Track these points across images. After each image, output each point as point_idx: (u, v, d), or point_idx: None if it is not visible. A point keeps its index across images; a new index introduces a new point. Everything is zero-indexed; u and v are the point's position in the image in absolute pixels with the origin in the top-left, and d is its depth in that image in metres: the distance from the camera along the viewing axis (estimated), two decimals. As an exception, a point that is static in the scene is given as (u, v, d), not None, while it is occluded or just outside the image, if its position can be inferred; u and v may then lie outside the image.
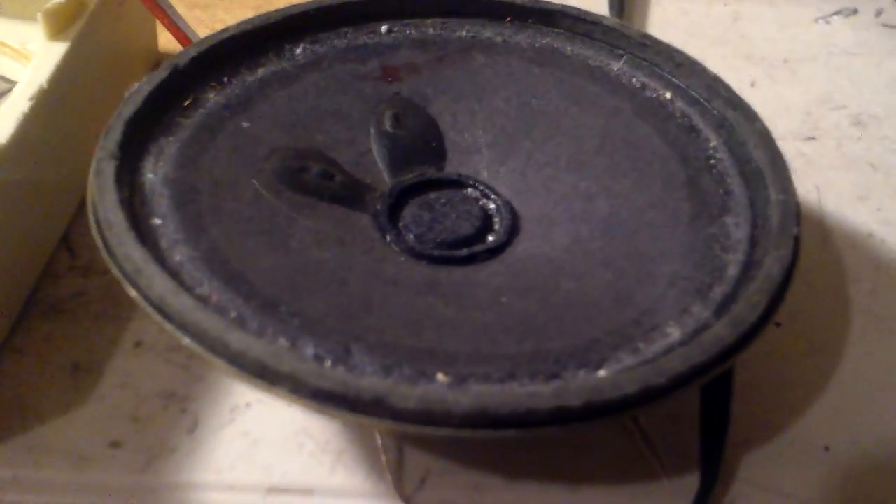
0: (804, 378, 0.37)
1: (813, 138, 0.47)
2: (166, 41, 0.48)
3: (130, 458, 0.33)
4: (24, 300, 0.37)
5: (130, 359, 0.36)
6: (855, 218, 0.43)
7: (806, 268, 0.40)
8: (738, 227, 0.33)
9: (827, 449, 0.35)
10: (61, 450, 0.33)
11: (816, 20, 0.55)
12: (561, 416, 0.26)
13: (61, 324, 0.37)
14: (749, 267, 0.32)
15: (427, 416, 0.26)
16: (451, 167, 0.37)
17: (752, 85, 0.51)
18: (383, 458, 0.33)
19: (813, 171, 0.46)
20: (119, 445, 0.33)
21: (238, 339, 0.27)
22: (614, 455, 0.34)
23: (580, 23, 0.40)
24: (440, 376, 0.28)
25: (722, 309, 0.30)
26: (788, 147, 0.47)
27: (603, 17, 0.40)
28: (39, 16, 0.37)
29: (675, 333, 0.30)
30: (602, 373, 0.29)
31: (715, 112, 0.37)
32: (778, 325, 0.38)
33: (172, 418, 0.34)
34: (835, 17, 0.55)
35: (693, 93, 0.38)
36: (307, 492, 0.33)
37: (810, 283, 0.40)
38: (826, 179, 0.45)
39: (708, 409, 0.33)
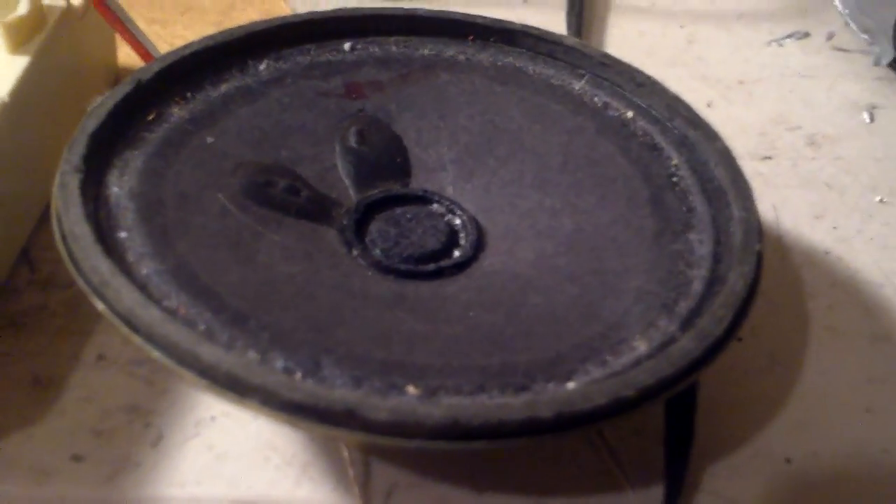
0: (765, 392, 0.37)
1: (769, 158, 0.48)
2: (125, 56, 0.48)
3: (93, 471, 0.33)
4: (-18, 315, 0.37)
5: (93, 372, 0.36)
6: (812, 236, 0.44)
7: (765, 285, 0.40)
8: (701, 244, 0.34)
9: (788, 461, 0.35)
10: (22, 464, 0.33)
11: (769, 43, 0.56)
12: (532, 428, 0.27)
13: (21, 338, 0.37)
14: (713, 283, 0.32)
15: (398, 428, 0.26)
16: (417, 183, 0.37)
17: (709, 105, 0.51)
18: (350, 471, 0.33)
19: (770, 190, 0.46)
20: (81, 459, 0.33)
21: (208, 352, 0.27)
22: (580, 468, 0.34)
23: (541, 42, 0.41)
24: (411, 388, 0.28)
25: (687, 323, 0.31)
26: (746, 166, 0.47)
27: (564, 36, 0.40)
28: (-1, 29, 0.37)
29: (641, 347, 0.30)
30: (571, 385, 0.29)
31: (676, 131, 0.37)
32: (739, 339, 0.39)
33: (136, 432, 0.34)
34: (787, 41, 0.56)
35: (654, 112, 0.38)
36: (273, 506, 0.33)
37: (770, 299, 0.41)
38: (783, 198, 0.46)
39: (672, 423, 0.34)
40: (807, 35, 0.57)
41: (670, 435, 0.34)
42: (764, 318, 0.40)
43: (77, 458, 0.33)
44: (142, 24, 0.48)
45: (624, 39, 0.56)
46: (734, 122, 0.50)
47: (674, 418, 0.34)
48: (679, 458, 0.33)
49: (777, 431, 0.36)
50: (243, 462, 0.33)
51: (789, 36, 0.57)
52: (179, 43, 0.38)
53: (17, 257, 0.39)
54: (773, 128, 0.50)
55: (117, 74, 0.48)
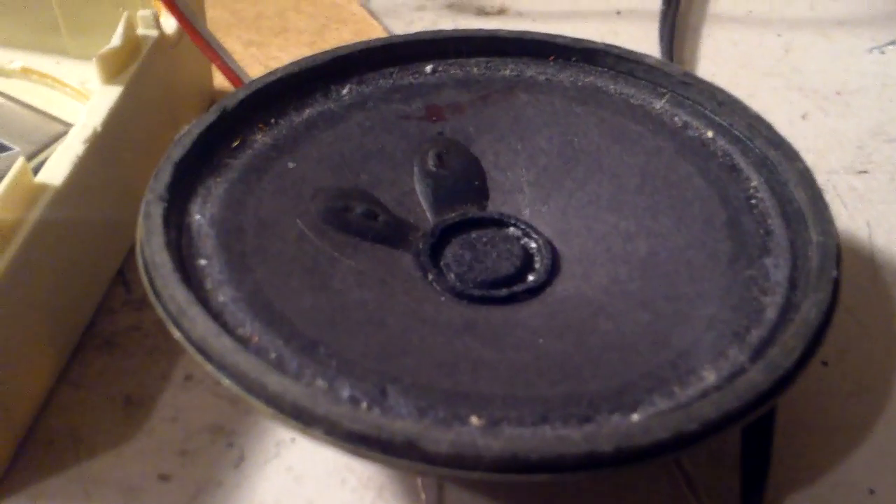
0: (850, 418, 0.37)
1: (865, 172, 0.47)
2: (222, 80, 0.50)
3: (178, 491, 0.34)
4: (80, 334, 0.39)
5: (180, 392, 0.37)
6: (906, 254, 0.43)
7: (855, 305, 0.40)
8: (777, 269, 0.33)
9: (872, 492, 0.34)
10: (112, 482, 0.34)
11: (871, 50, 0.55)
12: (591, 462, 0.27)
13: (115, 357, 0.38)
14: (787, 310, 0.32)
15: (458, 460, 0.27)
16: (494, 206, 0.38)
17: (804, 118, 0.50)
18: (423, 496, 0.33)
19: (864, 205, 0.45)
20: (167, 479, 0.34)
21: (275, 382, 0.28)
22: (655, 495, 0.34)
23: (623, 61, 0.40)
24: (474, 419, 0.28)
25: (758, 353, 0.30)
26: (840, 181, 0.47)
27: (645, 55, 0.40)
28: (94, 60, 0.38)
29: (710, 377, 0.30)
30: (635, 416, 0.29)
31: (756, 151, 0.37)
32: (825, 363, 0.38)
33: (219, 452, 0.35)
34: (890, 47, 0.55)
35: (735, 131, 0.38)
36: (348, 528, 0.33)
37: (859, 320, 0.40)
38: (878, 214, 0.45)
39: (749, 450, 0.33)
40: (911, 41, 0.55)
41: (746, 462, 0.33)
42: (852, 341, 0.39)
43: (163, 478, 0.34)
44: (239, 46, 0.50)
45: (717, 50, 0.55)
46: (830, 134, 0.49)
47: (750, 445, 0.33)
48: (755, 487, 0.33)
49: (861, 460, 0.35)
50: (321, 484, 0.34)
51: (891, 42, 0.55)
52: (274, 64, 0.39)
53: (113, 278, 0.41)
54: (870, 140, 0.49)
55: (214, 98, 0.50)
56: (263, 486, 0.34)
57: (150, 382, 0.37)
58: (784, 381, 0.29)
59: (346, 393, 0.29)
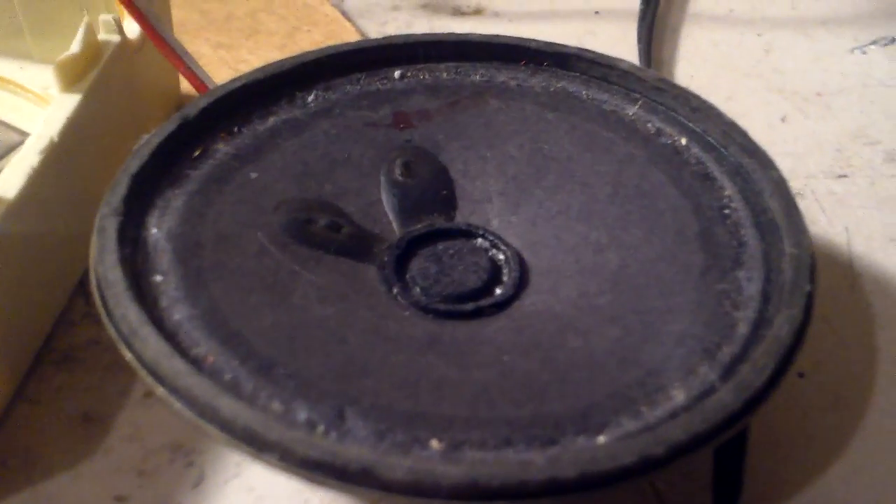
0: (826, 433, 0.36)
1: (844, 176, 0.46)
2: (189, 84, 0.49)
3: (135, 513, 0.33)
4: (37, 348, 0.37)
5: (139, 410, 0.36)
6: (886, 261, 0.42)
7: (832, 314, 0.39)
8: (750, 282, 0.32)
9: (848, 508, 0.34)
10: (67, 504, 0.33)
11: (852, 50, 0.54)
12: (554, 488, 0.26)
13: (74, 373, 0.37)
14: (759, 325, 0.31)
15: (416, 488, 0.26)
16: (462, 216, 0.37)
17: (783, 120, 0.50)
18: (386, 517, 0.32)
19: (843, 210, 0.45)
20: (124, 500, 0.33)
21: (227, 406, 0.27)
22: (623, 514, 0.33)
23: (595, 66, 0.39)
24: (434, 443, 0.27)
25: (729, 371, 0.30)
26: (819, 185, 0.46)
27: (619, 60, 0.39)
28: (52, 68, 0.37)
29: (679, 397, 0.29)
30: (601, 439, 0.28)
31: (731, 159, 0.36)
32: (801, 375, 0.38)
33: (178, 472, 0.34)
34: (872, 47, 0.54)
35: (709, 138, 0.37)
36: (309, 551, 0.32)
37: (836, 330, 0.39)
38: (857, 220, 0.44)
39: (720, 469, 0.32)
40: (893, 41, 0.55)
41: (719, 481, 0.33)
42: (829, 352, 0.38)
43: (120, 500, 0.33)
44: (208, 49, 0.49)
45: (697, 50, 0.54)
46: (809, 137, 0.48)
47: (722, 463, 0.32)
48: (728, 506, 0.32)
49: (837, 477, 0.34)
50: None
51: (874, 42, 0.54)
52: (244, 67, 0.38)
53: (74, 289, 0.40)
54: (850, 143, 0.48)
55: (180, 103, 0.49)
56: (224, 506, 0.33)
57: (109, 399, 0.36)
58: (755, 401, 0.28)
59: (302, 416, 0.28)
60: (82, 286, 0.40)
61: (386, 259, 0.35)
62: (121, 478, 0.34)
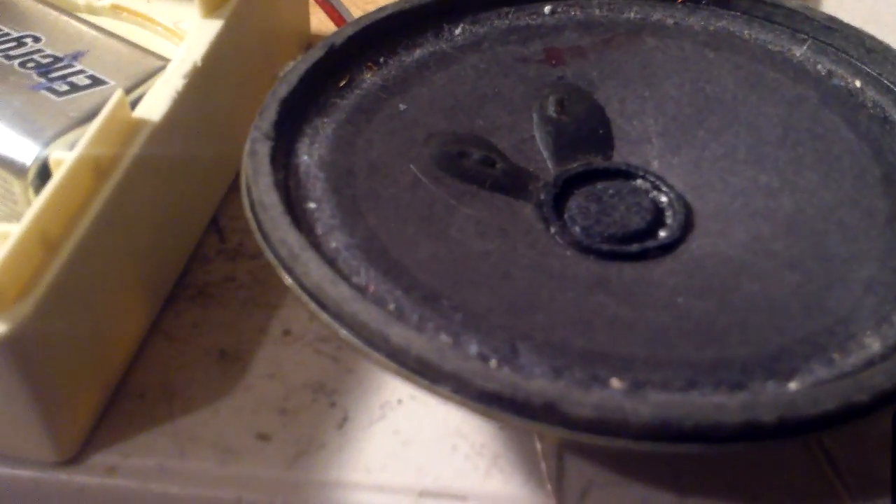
0: None
1: None
2: (318, 22, 0.47)
3: (278, 451, 0.32)
4: (173, 283, 0.36)
5: (279, 348, 0.35)
6: None
7: None
8: (943, 229, 0.30)
9: None
10: (207, 440, 0.32)
11: None
12: (751, 432, 0.24)
13: (210, 309, 0.36)
14: (958, 274, 0.29)
15: (602, 426, 0.24)
16: (619, 157, 0.35)
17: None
18: (543, 465, 0.31)
19: None
20: (266, 438, 0.32)
21: (398, 334, 0.25)
22: (794, 475, 0.31)
23: (759, 5, 0.37)
24: (614, 382, 0.26)
25: (927, 320, 0.27)
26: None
27: (784, -2, 0.37)
28: (194, -7, 0.36)
29: (874, 345, 0.27)
30: (793, 385, 0.26)
31: (912, 102, 0.34)
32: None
33: (321, 412, 0.33)
34: None
35: (886, 81, 0.35)
36: (461, 497, 0.31)
37: None
38: None
39: (901, 429, 0.30)
40: None
41: (899, 442, 0.30)
42: None
43: (262, 437, 0.32)
44: (335, -11, 0.47)
45: (840, 4, 0.51)
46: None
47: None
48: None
49: None
50: (430, 449, 0.32)
51: None
52: (373, 7, 0.37)
53: (207, 225, 0.39)
54: None
55: (310, 41, 0.47)
56: (369, 449, 0.32)
57: (247, 336, 0.35)
58: (962, 351, 0.26)
59: (473, 349, 0.26)
60: (215, 223, 0.39)
61: (543, 197, 0.33)
62: (262, 416, 0.33)
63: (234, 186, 0.38)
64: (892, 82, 0.34)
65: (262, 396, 0.33)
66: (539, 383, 0.25)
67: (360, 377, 0.34)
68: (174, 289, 0.36)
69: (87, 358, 0.31)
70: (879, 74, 0.35)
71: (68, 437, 0.31)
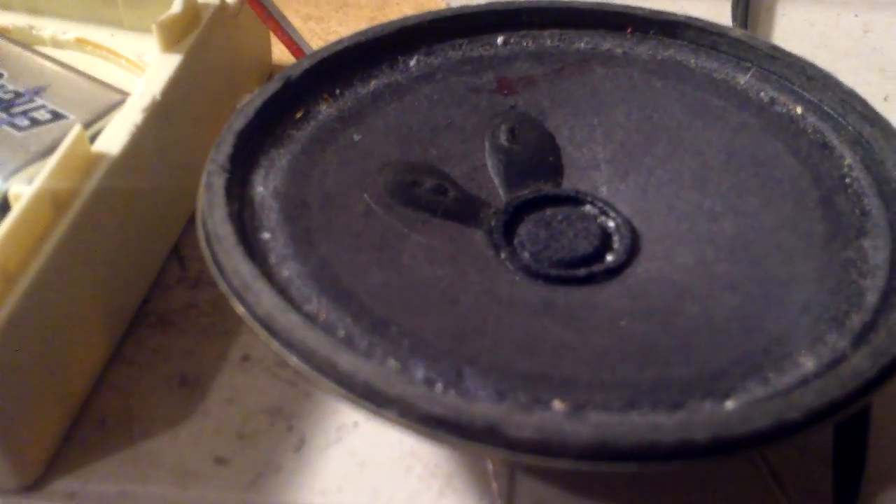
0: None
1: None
2: (280, 53, 0.48)
3: (236, 475, 0.32)
4: (134, 310, 0.37)
5: (237, 373, 0.35)
6: None
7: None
8: (876, 251, 0.31)
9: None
10: (167, 465, 0.33)
11: (954, 31, 0.52)
12: (686, 451, 0.25)
13: (170, 336, 0.37)
14: (889, 294, 0.30)
15: (543, 447, 0.25)
16: (569, 183, 0.36)
17: (886, 99, 0.48)
18: (494, 485, 0.31)
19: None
20: (224, 462, 0.33)
21: (346, 360, 0.26)
22: (739, 489, 0.32)
23: (705, 34, 0.38)
24: (556, 403, 0.26)
25: (860, 339, 0.28)
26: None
27: (729, 28, 0.38)
28: (154, 28, 0.37)
29: (808, 364, 0.28)
30: (729, 404, 0.27)
31: (850, 128, 0.35)
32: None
33: (278, 436, 0.34)
34: (975, 28, 0.52)
35: (826, 108, 0.36)
36: (414, 518, 0.31)
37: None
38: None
39: (842, 444, 0.31)
40: None
41: (839, 457, 0.31)
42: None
43: (220, 461, 0.33)
44: (298, 21, 0.48)
45: (792, 30, 0.53)
46: (914, 117, 0.47)
47: (843, 439, 0.31)
48: (849, 484, 0.31)
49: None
50: (385, 470, 0.33)
51: (977, 23, 0.52)
52: (334, 38, 0.38)
53: (169, 254, 0.39)
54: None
55: (272, 72, 0.48)
56: (325, 471, 0.33)
57: (206, 362, 0.36)
58: (891, 368, 0.27)
59: (420, 374, 0.27)
60: (176, 252, 0.40)
61: (494, 223, 0.34)
62: (221, 440, 0.33)
63: (195, 217, 0.39)
64: (831, 109, 0.35)
65: (220, 421, 0.34)
66: (482, 406, 0.25)
67: (317, 401, 0.34)
68: (135, 316, 0.37)
69: (48, 386, 0.32)
70: (820, 101, 0.36)
71: (30, 463, 0.31)
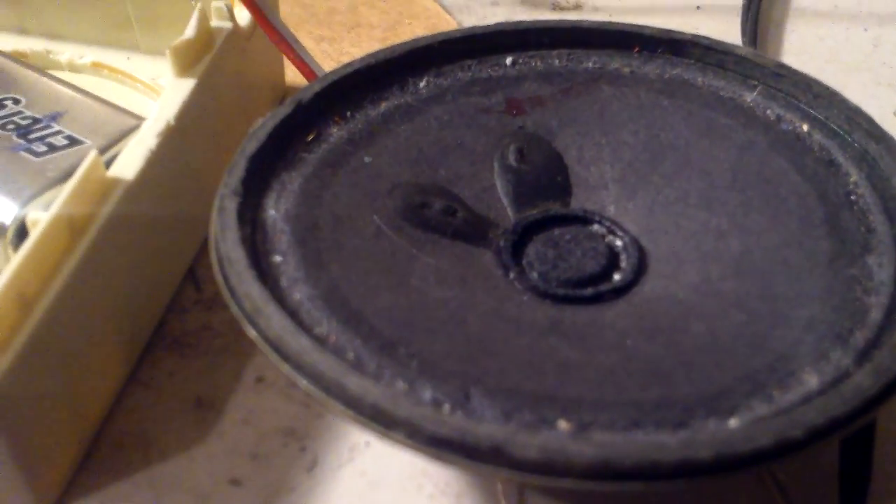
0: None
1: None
2: (293, 75, 0.49)
3: (250, 496, 0.33)
4: (150, 333, 0.38)
5: (251, 395, 0.36)
6: None
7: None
8: (881, 268, 0.31)
9: (980, 505, 0.32)
10: (182, 487, 0.33)
11: (965, 44, 0.53)
12: (688, 469, 0.25)
13: (186, 358, 0.37)
14: (893, 311, 0.30)
15: (547, 467, 0.25)
16: (577, 203, 0.36)
17: (895, 114, 0.48)
18: (503, 503, 0.32)
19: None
20: (239, 483, 0.33)
21: (355, 383, 0.27)
22: (746, 506, 0.32)
23: (711, 52, 0.39)
24: (562, 423, 0.27)
25: (864, 356, 0.29)
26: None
27: (735, 46, 0.38)
28: (167, 52, 0.37)
29: (812, 381, 0.28)
30: (733, 422, 0.27)
31: (856, 145, 0.35)
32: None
33: (292, 456, 0.34)
34: None
35: (832, 125, 0.36)
36: (426, 536, 0.32)
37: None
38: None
39: (847, 461, 0.31)
40: None
41: (845, 472, 0.31)
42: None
43: (235, 483, 0.33)
44: (310, 42, 0.49)
45: (802, 45, 0.53)
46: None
47: (849, 454, 0.31)
48: (855, 499, 0.31)
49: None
50: (396, 490, 0.33)
51: None
52: (346, 60, 0.38)
53: (184, 277, 0.40)
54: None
55: (285, 94, 0.49)
56: (337, 491, 0.33)
57: (221, 384, 0.36)
58: (893, 385, 0.27)
59: (427, 395, 0.27)
60: (191, 274, 0.40)
61: (502, 244, 0.34)
62: (235, 461, 0.34)
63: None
64: (837, 126, 0.36)
65: (235, 442, 0.34)
66: (487, 427, 0.26)
67: (330, 422, 0.35)
68: (151, 339, 0.38)
69: (65, 410, 0.32)
70: (826, 118, 0.36)
71: (47, 487, 0.32)
